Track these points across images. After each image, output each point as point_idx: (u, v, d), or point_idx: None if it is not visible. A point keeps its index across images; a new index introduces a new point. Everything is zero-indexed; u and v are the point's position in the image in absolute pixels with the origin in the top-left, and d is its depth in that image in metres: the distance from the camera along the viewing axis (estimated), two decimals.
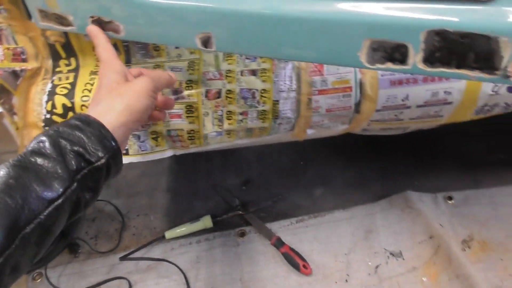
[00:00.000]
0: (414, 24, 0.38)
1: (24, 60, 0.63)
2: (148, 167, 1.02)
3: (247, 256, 0.82)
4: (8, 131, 0.65)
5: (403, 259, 0.80)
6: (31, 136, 0.59)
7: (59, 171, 0.37)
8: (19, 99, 0.62)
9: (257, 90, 0.64)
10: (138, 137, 0.64)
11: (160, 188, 0.98)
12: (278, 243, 0.82)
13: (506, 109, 0.69)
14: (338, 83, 0.64)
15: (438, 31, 0.37)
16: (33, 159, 0.37)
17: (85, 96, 0.61)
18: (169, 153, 0.68)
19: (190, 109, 0.63)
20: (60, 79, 0.63)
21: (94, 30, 0.52)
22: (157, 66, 0.64)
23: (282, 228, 0.87)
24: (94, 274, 0.81)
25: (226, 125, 0.65)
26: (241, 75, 0.64)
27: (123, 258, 0.82)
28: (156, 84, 0.49)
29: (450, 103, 0.66)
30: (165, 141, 0.66)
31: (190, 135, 0.65)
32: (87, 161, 0.39)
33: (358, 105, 0.66)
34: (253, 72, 0.64)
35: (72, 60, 0.65)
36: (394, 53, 0.41)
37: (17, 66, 0.63)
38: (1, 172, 0.35)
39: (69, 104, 0.61)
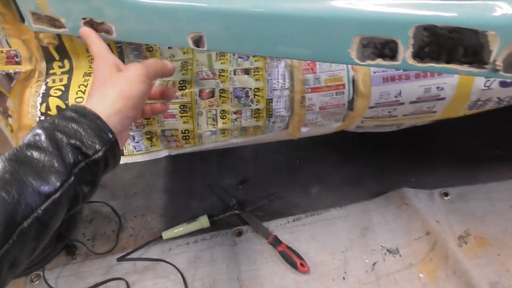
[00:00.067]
0: (402, 20, 0.38)
1: (18, 63, 0.63)
2: (145, 168, 1.02)
3: (245, 255, 0.83)
4: (3, 133, 0.65)
5: (400, 255, 0.80)
6: None
7: (56, 164, 0.37)
8: (14, 102, 0.62)
9: (250, 89, 0.64)
10: (133, 138, 0.65)
11: (157, 189, 0.98)
12: (275, 242, 0.82)
13: (499, 104, 0.70)
14: (331, 81, 0.64)
15: (427, 26, 0.37)
16: (29, 153, 0.37)
17: (79, 97, 0.61)
18: (164, 153, 0.68)
19: (184, 109, 0.63)
20: (54, 81, 0.64)
21: (86, 31, 0.52)
22: None
23: (279, 227, 0.87)
24: (91, 276, 0.81)
25: (220, 124, 0.65)
26: (234, 74, 0.64)
27: (120, 259, 0.82)
28: (149, 69, 0.48)
29: (443, 98, 0.66)
30: (159, 141, 0.66)
31: (185, 135, 0.65)
32: (84, 154, 0.39)
33: (351, 102, 0.66)
34: (246, 71, 0.64)
35: (66, 62, 0.65)
36: (384, 49, 0.41)
37: (11, 69, 0.63)
38: None
39: (63, 106, 0.61)
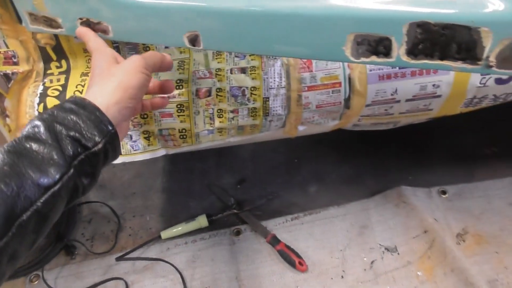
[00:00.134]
0: (396, 17, 0.38)
1: (15, 63, 0.64)
2: (143, 168, 1.02)
3: (243, 254, 0.83)
4: (1, 133, 0.65)
5: (398, 254, 0.81)
6: None
7: (55, 157, 0.36)
8: (11, 102, 0.63)
9: (247, 87, 0.64)
10: (130, 137, 0.65)
11: (155, 189, 0.98)
12: (274, 241, 0.82)
13: (495, 101, 0.70)
14: (327, 79, 0.64)
15: (420, 23, 0.38)
16: (28, 145, 0.36)
17: None
18: (161, 152, 0.68)
19: (181, 108, 0.63)
20: (51, 81, 0.64)
21: (82, 30, 0.52)
22: None
23: (277, 226, 0.87)
24: (90, 275, 0.81)
25: (217, 123, 0.66)
26: (231, 73, 0.64)
27: (119, 259, 0.83)
28: (148, 61, 0.48)
29: (439, 96, 0.66)
30: (157, 140, 0.66)
31: (182, 134, 0.65)
32: (84, 146, 0.39)
33: (347, 100, 0.66)
34: (243, 70, 0.64)
35: (63, 62, 0.65)
36: (378, 46, 0.41)
37: (9, 69, 0.63)
38: None
39: None
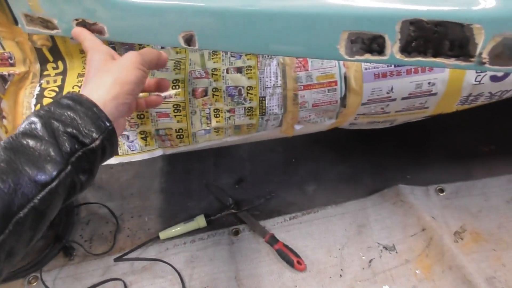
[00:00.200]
0: (388, 15, 0.38)
1: (12, 65, 0.64)
2: (141, 169, 1.02)
3: (242, 254, 0.83)
4: None
5: (396, 252, 0.81)
6: None
7: (52, 153, 0.36)
8: (8, 103, 0.63)
9: (243, 87, 0.64)
10: (127, 137, 0.65)
11: (154, 190, 0.98)
12: (272, 240, 0.82)
13: (491, 99, 0.70)
14: (323, 78, 0.64)
15: (413, 20, 0.38)
16: (24, 142, 0.36)
17: None
18: (158, 152, 0.68)
19: (178, 108, 0.63)
20: (48, 82, 0.64)
21: (77, 30, 0.52)
22: None
23: (275, 226, 0.87)
24: (89, 276, 0.81)
25: (214, 123, 0.66)
26: (227, 72, 0.64)
27: (117, 259, 0.83)
28: (144, 57, 0.48)
29: (434, 94, 0.67)
30: (154, 140, 0.67)
31: (179, 134, 0.65)
32: (81, 143, 0.39)
33: (343, 99, 0.66)
34: (239, 70, 0.64)
35: (60, 63, 0.66)
36: (372, 44, 0.41)
37: (5, 71, 0.63)
38: None
39: None
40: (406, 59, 0.41)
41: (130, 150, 0.66)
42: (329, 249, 0.82)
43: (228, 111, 0.65)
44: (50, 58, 0.65)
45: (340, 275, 0.78)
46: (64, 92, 0.63)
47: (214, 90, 0.64)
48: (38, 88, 0.63)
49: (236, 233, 0.87)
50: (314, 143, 1.04)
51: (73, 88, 0.63)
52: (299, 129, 0.71)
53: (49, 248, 0.84)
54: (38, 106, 0.62)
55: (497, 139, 1.01)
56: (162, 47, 0.64)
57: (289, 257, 0.79)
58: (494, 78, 0.65)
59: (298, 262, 0.79)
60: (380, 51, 0.41)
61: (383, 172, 0.96)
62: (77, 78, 0.64)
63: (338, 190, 0.94)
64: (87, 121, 0.39)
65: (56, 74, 0.65)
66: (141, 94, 0.54)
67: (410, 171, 0.96)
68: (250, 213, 0.89)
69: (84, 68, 0.65)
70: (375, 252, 0.81)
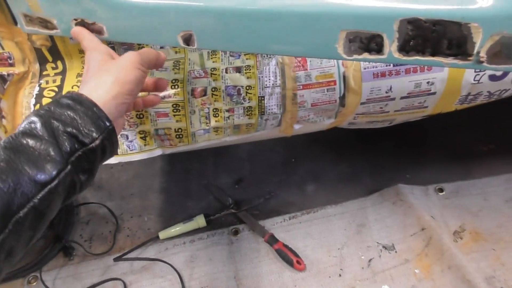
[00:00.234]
0: (387, 13, 0.38)
1: (11, 65, 0.64)
2: (141, 169, 1.02)
3: (241, 254, 0.83)
4: None
5: (396, 252, 0.81)
6: None
7: (52, 153, 0.36)
8: (7, 103, 0.63)
9: (242, 86, 0.64)
10: (127, 137, 0.65)
11: (153, 189, 0.98)
12: (272, 240, 0.82)
13: (490, 98, 0.70)
14: (322, 77, 0.65)
15: (411, 19, 0.38)
16: (24, 141, 0.36)
17: None
18: (157, 152, 0.68)
19: (177, 107, 0.63)
20: (47, 82, 0.64)
21: (77, 30, 0.52)
22: None
23: (275, 225, 0.87)
24: (89, 276, 0.81)
25: (213, 123, 0.66)
26: (226, 72, 0.64)
27: (117, 259, 0.83)
28: (143, 57, 0.48)
29: (433, 93, 0.67)
30: (153, 140, 0.67)
31: (178, 133, 0.65)
32: (81, 142, 0.39)
33: (342, 98, 0.66)
34: (238, 69, 0.64)
35: (59, 63, 0.66)
36: (370, 43, 0.41)
37: (5, 71, 0.63)
38: None
39: None
40: (404, 58, 0.41)
41: (129, 150, 0.66)
42: (329, 248, 0.82)
43: (227, 110, 0.65)
44: (50, 58, 0.65)
45: (340, 275, 0.78)
46: (64, 92, 0.63)
47: (213, 89, 0.64)
48: (37, 88, 0.63)
49: (236, 233, 0.87)
50: (313, 142, 1.04)
51: (72, 88, 0.63)
52: (298, 128, 0.71)
53: (49, 248, 0.84)
54: (38, 106, 0.62)
55: (496, 139, 1.01)
56: (161, 47, 0.65)
57: (289, 257, 0.79)
58: (493, 77, 0.65)
59: (298, 262, 0.79)
60: (378, 50, 0.41)
61: (383, 171, 0.96)
62: (76, 78, 0.64)
63: (337, 190, 0.94)
64: (87, 121, 0.40)
65: (55, 74, 0.65)
66: (139, 94, 0.55)
67: (410, 171, 0.96)
68: (250, 213, 0.89)
69: (83, 68, 0.65)
70: (375, 252, 0.81)
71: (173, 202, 0.95)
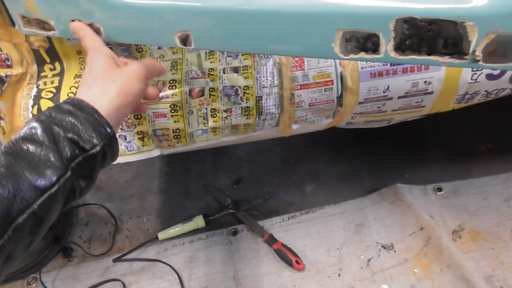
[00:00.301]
0: (382, 13, 0.39)
1: (9, 66, 0.64)
2: (140, 170, 1.02)
3: (240, 254, 0.83)
4: None
5: (395, 251, 0.81)
6: None
7: (52, 159, 0.36)
8: (5, 104, 0.63)
9: (240, 87, 0.65)
10: (125, 138, 0.65)
11: (152, 190, 0.98)
12: (271, 240, 0.82)
13: (487, 97, 0.70)
14: (319, 77, 0.65)
15: (407, 19, 0.38)
16: (24, 147, 0.36)
17: None
18: (156, 152, 0.68)
19: (175, 108, 0.63)
20: (45, 83, 0.64)
21: (77, 25, 0.52)
22: None
23: (274, 225, 0.87)
24: (88, 277, 0.81)
25: (211, 123, 0.66)
26: (224, 72, 0.64)
27: (116, 260, 0.83)
28: (148, 69, 0.48)
29: (431, 92, 0.67)
30: (151, 140, 0.67)
31: (176, 134, 0.65)
32: (82, 148, 0.39)
33: (340, 98, 0.66)
34: (235, 70, 0.64)
35: (57, 65, 0.66)
36: (366, 42, 0.41)
37: (3, 72, 0.63)
38: None
39: None
40: (401, 57, 0.41)
41: (128, 151, 0.66)
42: (328, 248, 0.82)
43: (225, 111, 0.65)
44: (47, 59, 0.65)
45: (339, 275, 0.78)
46: (62, 93, 0.63)
47: (211, 90, 0.64)
48: (35, 89, 0.63)
49: (235, 233, 0.87)
50: (312, 143, 1.04)
51: (70, 89, 0.63)
52: (296, 128, 0.72)
53: (48, 249, 0.84)
54: (36, 107, 0.62)
55: (494, 138, 1.01)
56: (159, 47, 0.65)
57: (288, 257, 0.79)
58: (490, 77, 0.65)
59: (297, 262, 0.79)
60: (375, 49, 0.41)
61: (381, 171, 0.96)
62: (74, 79, 0.64)
63: (336, 190, 0.94)
64: (88, 127, 0.40)
65: (53, 75, 0.65)
66: None
67: (408, 170, 0.96)
68: (249, 213, 0.89)
69: (81, 69, 0.65)
70: (374, 251, 0.81)
71: (172, 202, 0.95)
